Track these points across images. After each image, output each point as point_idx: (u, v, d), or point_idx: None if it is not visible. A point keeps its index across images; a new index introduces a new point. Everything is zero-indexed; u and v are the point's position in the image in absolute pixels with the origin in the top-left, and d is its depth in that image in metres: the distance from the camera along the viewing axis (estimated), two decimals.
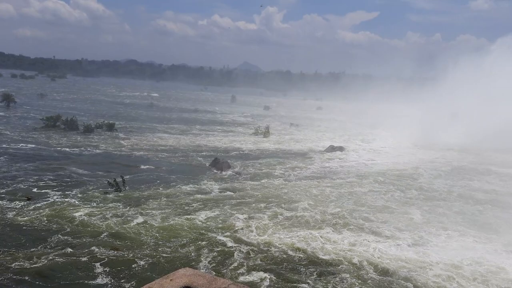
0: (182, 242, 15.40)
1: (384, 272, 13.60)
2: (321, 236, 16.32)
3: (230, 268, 13.59)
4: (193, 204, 19.75)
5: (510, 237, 16.91)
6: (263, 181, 25.18)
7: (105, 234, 15.67)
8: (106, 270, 12.98)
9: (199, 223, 17.38)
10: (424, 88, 59.93)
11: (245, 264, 13.86)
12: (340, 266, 13.93)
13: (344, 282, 12.89)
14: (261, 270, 13.42)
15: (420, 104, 55.95)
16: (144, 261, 13.70)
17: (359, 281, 13.00)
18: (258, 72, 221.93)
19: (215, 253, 14.63)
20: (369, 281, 13.06)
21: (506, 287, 12.84)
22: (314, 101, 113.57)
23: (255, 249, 15.03)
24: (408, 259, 14.53)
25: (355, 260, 14.28)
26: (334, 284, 12.75)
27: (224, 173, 26.95)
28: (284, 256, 14.57)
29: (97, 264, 13.29)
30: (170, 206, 19.33)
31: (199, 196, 21.26)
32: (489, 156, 37.45)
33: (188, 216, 18.04)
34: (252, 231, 16.60)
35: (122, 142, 35.83)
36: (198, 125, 51.65)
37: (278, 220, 18.14)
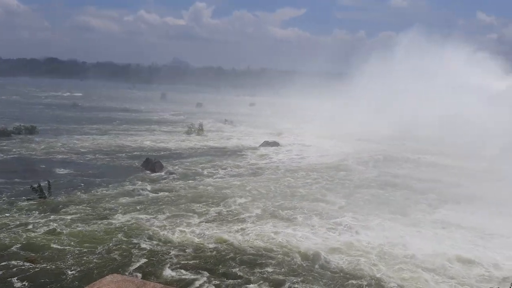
0: (108, 248, 14.46)
1: (310, 258, 14.11)
2: (252, 230, 16.44)
3: (160, 270, 13.00)
4: (120, 208, 18.68)
5: (416, 217, 18.57)
6: (196, 180, 24.58)
7: (18, 245, 14.21)
8: (25, 285, 11.85)
9: (127, 226, 16.45)
10: (351, 82, 62.36)
11: (175, 264, 13.38)
12: (271, 256, 14.16)
13: (273, 271, 13.12)
14: (193, 269, 13.10)
15: (346, 98, 58.24)
16: (69, 271, 12.70)
17: (288, 269, 13.35)
18: (189, 69, 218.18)
19: (144, 256, 13.93)
20: (297, 267, 13.46)
21: (407, 263, 13.99)
22: (247, 97, 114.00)
23: (186, 248, 14.56)
24: (333, 244, 15.27)
25: (285, 249, 14.67)
26: (266, 274, 12.92)
27: (157, 173, 25.86)
28: (215, 253, 14.36)
29: (14, 279, 12.02)
30: (94, 211, 18.13)
31: (127, 199, 20.17)
32: (407, 145, 39.71)
33: (114, 221, 16.99)
34: (183, 231, 16.09)
35: (37, 145, 33.01)
36: (126, 125, 49.42)
37: (210, 218, 17.78)
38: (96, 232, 15.70)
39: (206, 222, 17.16)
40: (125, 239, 15.20)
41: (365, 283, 12.65)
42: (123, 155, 31.39)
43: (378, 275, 13.06)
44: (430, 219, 18.58)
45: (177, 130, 46.92)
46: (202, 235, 15.75)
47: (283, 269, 13.30)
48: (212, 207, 19.19)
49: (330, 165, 29.88)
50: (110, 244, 14.69)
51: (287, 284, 12.45)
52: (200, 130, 44.31)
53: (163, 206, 19.12)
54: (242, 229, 16.51)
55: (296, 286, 12.43)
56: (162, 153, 33.19)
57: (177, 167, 27.93)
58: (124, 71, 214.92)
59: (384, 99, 50.21)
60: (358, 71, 62.33)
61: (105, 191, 21.15)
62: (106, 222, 16.72)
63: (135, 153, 32.27)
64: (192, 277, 12.63)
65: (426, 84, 49.78)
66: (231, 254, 14.20)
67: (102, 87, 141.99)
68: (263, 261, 13.77)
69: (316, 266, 13.60)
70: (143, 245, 14.71)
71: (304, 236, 15.95)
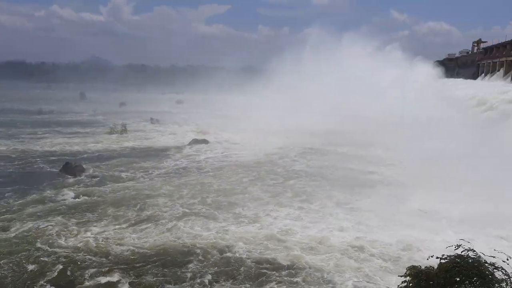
0: (20, 260, 13.52)
1: (225, 251, 14.60)
2: (169, 229, 16.39)
3: (79, 279, 12.52)
4: (30, 217, 17.45)
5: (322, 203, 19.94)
6: (118, 183, 23.54)
7: None
8: None
9: (45, 235, 15.43)
10: (275, 78, 63.64)
11: (95, 272, 12.94)
12: (189, 254, 14.32)
13: (191, 268, 13.33)
14: (111, 274, 12.86)
15: (271, 94, 59.36)
16: None
17: (205, 264, 13.66)
18: (110, 67, 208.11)
19: (61, 266, 13.26)
20: (214, 262, 13.83)
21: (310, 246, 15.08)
22: (174, 94, 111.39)
23: (104, 254, 14.13)
24: (246, 235, 15.92)
25: (203, 245, 14.91)
26: (182, 274, 13.02)
27: (77, 178, 24.36)
28: (134, 256, 14.11)
29: None
30: (4, 222, 16.67)
31: (40, 207, 18.80)
32: (333, 138, 41.30)
33: (28, 233, 15.77)
34: (100, 237, 15.53)
35: None
36: (43, 128, 45.80)
37: (131, 221, 17.28)
38: (16, 244, 14.64)
39: (128, 227, 16.57)
40: (31, 248, 14.36)
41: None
42: (40, 160, 29.09)
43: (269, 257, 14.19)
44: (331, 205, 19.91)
45: (99, 131, 44.52)
46: (124, 239, 15.28)
47: (199, 266, 13.49)
48: (131, 210, 18.52)
49: (256, 161, 30.13)
50: (32, 253, 13.89)
51: (206, 278, 12.73)
52: (123, 131, 42.42)
53: (79, 212, 18.22)
54: (164, 231, 16.16)
55: (215, 278, 12.77)
56: (83, 156, 31.33)
57: (99, 170, 26.51)
58: (39, 71, 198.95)
59: (306, 95, 52.04)
60: (281, 67, 63.90)
61: (16, 200, 19.48)
62: (14, 234, 15.55)
63: (53, 157, 30.06)
64: (110, 281, 12.44)
65: (334, 77, 52.98)
66: (153, 257, 13.98)
67: (13, 88, 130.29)
68: (185, 261, 13.71)
69: (231, 258, 14.09)
70: (62, 253, 13.97)
71: (220, 230, 16.29)
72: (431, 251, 10.60)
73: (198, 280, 12.68)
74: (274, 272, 13.22)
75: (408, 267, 9.52)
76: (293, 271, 13.25)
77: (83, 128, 47.20)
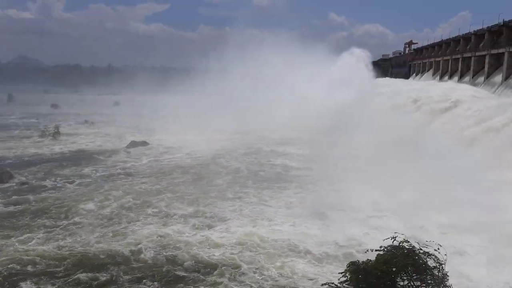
0: None
1: (142, 253, 14.39)
2: (94, 238, 15.64)
3: None
4: None
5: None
6: (47, 190, 22.09)
7: None
8: None
9: None
10: (217, 78, 63.24)
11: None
12: (113, 261, 13.81)
13: (116, 275, 12.92)
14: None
15: (212, 94, 58.99)
16: None
17: (131, 270, 13.30)
18: (40, 67, 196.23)
19: None
20: (142, 266, 13.56)
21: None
22: (111, 96, 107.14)
23: (24, 267, 13.26)
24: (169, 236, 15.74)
25: (132, 250, 14.56)
26: (107, 279, 12.67)
27: (5, 185, 22.62)
28: (51, 264, 13.49)
29: None
30: None
31: None
32: (266, 136, 41.68)
33: None
34: (23, 248, 14.53)
35: None
36: None
37: (52, 230, 16.31)
38: None
39: (50, 238, 15.49)
40: None
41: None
42: None
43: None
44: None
45: (29, 134, 41.63)
46: (47, 251, 14.32)
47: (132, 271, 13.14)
48: (56, 219, 17.39)
49: (195, 163, 29.41)
50: None
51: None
52: (56, 133, 39.87)
53: (6, 222, 16.94)
54: (81, 241, 15.29)
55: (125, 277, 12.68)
56: (11, 161, 29.12)
57: (28, 176, 24.71)
58: None
59: (246, 95, 52.27)
60: (223, 67, 63.71)
61: None
62: None
63: None
64: None
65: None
66: (75, 267, 13.34)
67: None
68: (108, 268, 13.24)
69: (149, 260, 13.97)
70: None
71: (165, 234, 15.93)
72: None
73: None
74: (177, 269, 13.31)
75: (348, 263, 9.72)
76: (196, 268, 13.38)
77: (11, 131, 43.92)
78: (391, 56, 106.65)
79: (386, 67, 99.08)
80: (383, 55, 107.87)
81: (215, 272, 13.08)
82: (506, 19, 51.99)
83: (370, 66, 70.90)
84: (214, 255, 14.20)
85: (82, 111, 66.97)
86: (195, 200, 20.30)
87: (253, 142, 38.47)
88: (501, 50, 47.70)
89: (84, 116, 58.51)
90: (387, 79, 75.69)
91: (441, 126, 35.10)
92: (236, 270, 13.18)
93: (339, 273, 9.54)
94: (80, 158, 30.92)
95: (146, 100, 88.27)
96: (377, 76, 77.30)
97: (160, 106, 71.68)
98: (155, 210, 18.77)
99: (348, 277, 9.34)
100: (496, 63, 49.22)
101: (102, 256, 14.00)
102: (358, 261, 9.53)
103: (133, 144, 35.76)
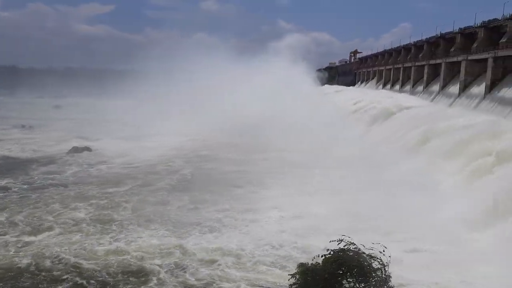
0: None
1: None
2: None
3: None
4: None
5: None
6: None
7: None
8: None
9: None
10: (163, 81, 61.91)
11: None
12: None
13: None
14: None
15: (160, 97, 57.73)
16: None
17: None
18: None
19: None
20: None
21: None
22: (52, 99, 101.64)
23: None
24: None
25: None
26: None
27: None
28: None
29: None
30: None
31: None
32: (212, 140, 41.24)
33: None
34: None
35: None
36: None
37: None
38: None
39: None
40: None
41: None
42: None
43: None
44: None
45: None
46: None
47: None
48: None
49: (138, 171, 28.16)
50: None
51: None
52: None
53: None
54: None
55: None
56: None
57: None
58: None
59: (195, 99, 51.75)
60: (169, 70, 62.62)
61: None
62: None
63: None
64: None
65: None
66: None
67: None
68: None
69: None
70: None
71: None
72: None
73: None
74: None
75: (297, 265, 9.71)
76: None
77: None
78: (337, 64, 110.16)
79: (332, 74, 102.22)
80: (330, 63, 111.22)
81: None
82: (443, 32, 55.48)
83: (314, 74, 72.87)
84: None
85: (19, 115, 62.89)
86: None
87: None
88: (438, 61, 50.61)
89: (21, 120, 54.95)
90: (334, 86, 78.14)
91: (380, 133, 36.82)
92: None
93: (288, 274, 9.50)
94: (10, 166, 28.72)
95: (90, 103, 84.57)
96: (324, 83, 79.50)
97: (104, 110, 68.91)
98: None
99: (297, 278, 9.31)
100: (434, 73, 52.17)
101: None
102: (307, 263, 9.55)
103: (75, 150, 33.96)
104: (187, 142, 39.04)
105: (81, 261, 14.31)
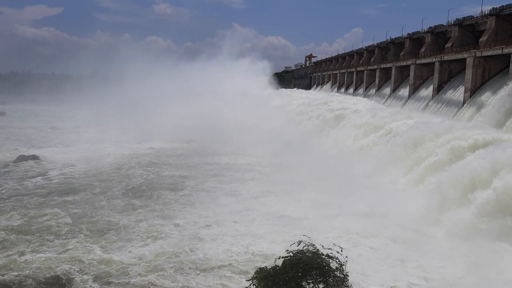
0: None
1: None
2: None
3: None
4: None
5: None
6: None
7: None
8: None
9: None
10: (117, 86, 60.23)
11: None
12: None
13: None
14: None
15: (114, 102, 56.06)
16: None
17: None
18: None
19: None
20: None
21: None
22: None
23: None
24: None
25: None
26: None
27: None
28: None
29: None
30: None
31: None
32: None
33: None
34: None
35: None
36: None
37: None
38: None
39: None
40: None
41: None
42: None
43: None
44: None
45: None
46: None
47: None
48: None
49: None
50: None
51: None
52: None
53: None
54: None
55: None
56: None
57: None
58: None
59: (151, 102, 50.76)
60: (123, 74, 61.19)
61: None
62: None
63: None
64: None
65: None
66: None
67: None
68: None
69: None
70: None
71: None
72: None
73: None
74: None
75: (256, 270, 9.59)
76: None
77: None
78: (293, 68, 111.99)
79: (289, 78, 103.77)
80: (285, 67, 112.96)
81: None
82: (393, 37, 57.78)
83: (271, 78, 73.92)
84: None
85: None
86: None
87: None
88: (389, 65, 52.60)
89: None
90: (289, 90, 79.27)
91: (333, 135, 37.76)
92: None
93: (247, 280, 9.34)
94: None
95: (37, 110, 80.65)
96: (281, 87, 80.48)
97: (52, 116, 66.00)
98: None
99: (256, 284, 9.19)
100: (385, 77, 54.18)
101: None
102: (266, 267, 9.48)
103: (22, 158, 32.03)
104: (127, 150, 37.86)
105: None
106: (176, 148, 38.48)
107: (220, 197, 22.20)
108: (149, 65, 59.66)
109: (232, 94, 50.72)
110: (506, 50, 29.64)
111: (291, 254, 9.46)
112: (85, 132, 45.19)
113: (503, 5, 34.06)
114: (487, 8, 36.93)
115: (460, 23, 40.14)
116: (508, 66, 29.02)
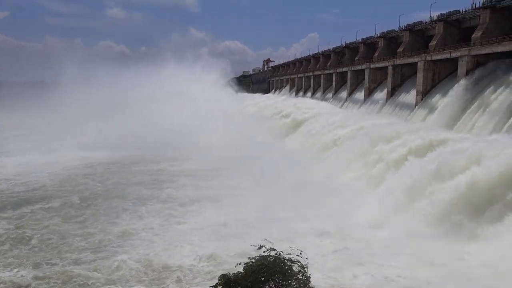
0: None
1: None
2: None
3: None
4: None
5: None
6: None
7: None
8: None
9: None
10: (69, 91, 57.80)
11: None
12: None
13: None
14: None
15: (68, 108, 53.84)
16: None
17: None
18: None
19: None
20: None
21: None
22: None
23: None
24: None
25: None
26: None
27: None
28: None
29: None
30: None
31: None
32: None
33: None
34: None
35: None
36: None
37: None
38: None
39: None
40: None
41: None
42: None
43: None
44: None
45: None
46: None
47: None
48: None
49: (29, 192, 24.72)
50: None
51: None
52: None
53: None
54: None
55: None
56: None
57: None
58: None
59: (109, 107, 49.08)
60: (76, 80, 58.94)
61: None
62: None
63: None
64: None
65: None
66: None
67: None
68: None
69: None
70: None
71: None
72: None
73: None
74: None
75: (219, 276, 9.41)
76: None
77: None
78: (251, 72, 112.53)
79: (247, 83, 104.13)
80: (243, 72, 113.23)
81: None
82: (348, 41, 59.34)
83: (228, 82, 73.74)
84: None
85: None
86: None
87: None
88: (345, 69, 53.89)
89: None
90: (248, 94, 79.64)
91: (295, 139, 38.22)
92: None
93: (210, 287, 9.11)
94: None
95: None
96: (239, 92, 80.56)
97: (2, 125, 62.34)
98: None
99: None
100: (342, 81, 55.44)
101: None
102: (229, 273, 9.30)
103: None
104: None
105: None
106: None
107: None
108: (96, 70, 57.74)
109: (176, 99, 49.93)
110: (454, 54, 31.04)
111: (253, 260, 9.34)
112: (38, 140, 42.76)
113: (450, 11, 35.74)
114: (435, 14, 38.72)
115: (411, 28, 41.76)
116: (456, 69, 30.41)
